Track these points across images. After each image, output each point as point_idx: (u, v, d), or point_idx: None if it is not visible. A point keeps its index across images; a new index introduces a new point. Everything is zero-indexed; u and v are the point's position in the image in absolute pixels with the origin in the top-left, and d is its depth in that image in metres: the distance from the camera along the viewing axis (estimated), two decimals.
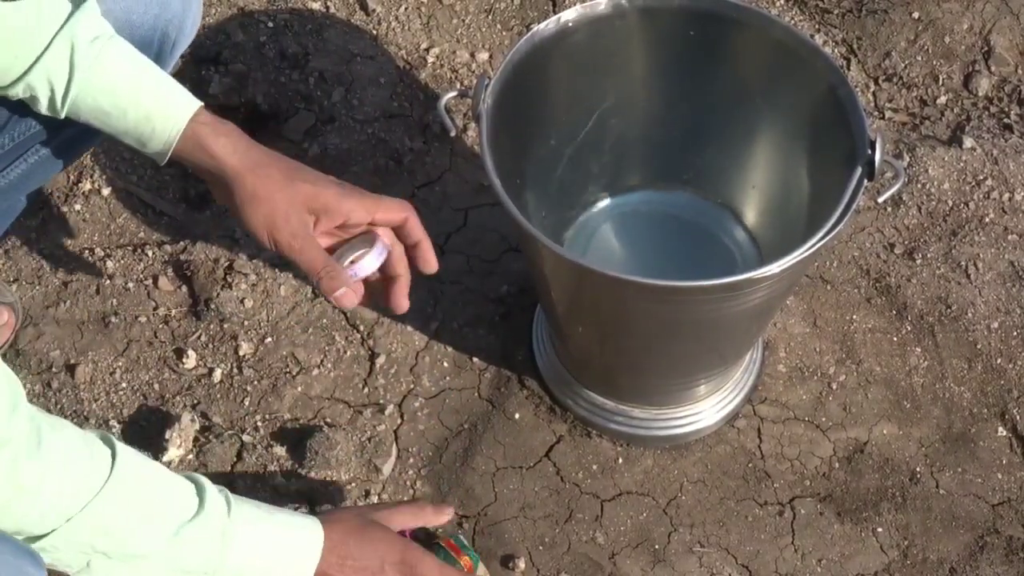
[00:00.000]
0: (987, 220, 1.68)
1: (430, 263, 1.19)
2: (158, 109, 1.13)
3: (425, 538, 1.37)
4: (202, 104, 1.15)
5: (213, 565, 1.00)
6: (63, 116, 1.14)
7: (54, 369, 1.53)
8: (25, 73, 1.10)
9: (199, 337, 1.56)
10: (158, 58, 1.31)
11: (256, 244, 1.62)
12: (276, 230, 1.10)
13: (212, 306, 1.57)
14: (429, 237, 1.18)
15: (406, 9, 1.89)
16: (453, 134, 1.33)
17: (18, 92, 1.12)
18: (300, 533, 1.06)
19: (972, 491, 1.47)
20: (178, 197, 1.70)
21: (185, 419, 1.48)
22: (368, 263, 1.11)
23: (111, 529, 0.96)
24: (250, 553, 1.02)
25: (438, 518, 1.23)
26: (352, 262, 1.13)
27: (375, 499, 1.45)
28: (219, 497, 1.02)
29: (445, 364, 1.56)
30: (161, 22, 1.28)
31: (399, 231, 1.17)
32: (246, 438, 1.47)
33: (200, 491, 1.01)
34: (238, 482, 1.43)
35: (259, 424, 1.49)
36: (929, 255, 1.65)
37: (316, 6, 1.88)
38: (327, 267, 1.10)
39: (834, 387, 1.55)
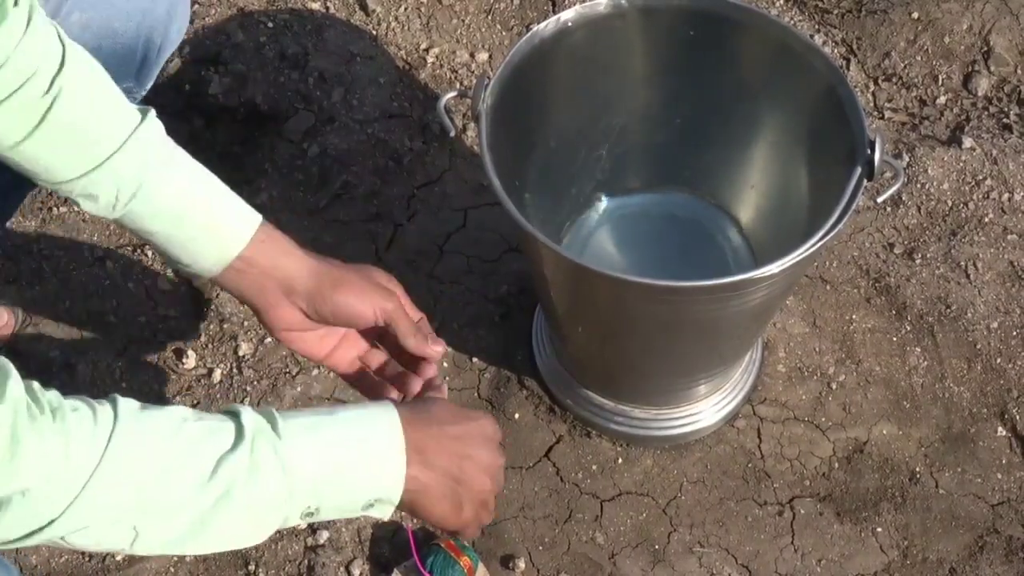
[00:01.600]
0: (987, 220, 1.68)
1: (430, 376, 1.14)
2: (223, 222, 1.09)
3: (424, 539, 1.37)
4: (262, 223, 1.10)
5: (280, 491, 0.89)
6: (115, 219, 1.09)
7: (54, 369, 1.53)
8: (88, 173, 1.06)
9: (199, 337, 1.56)
10: (143, 65, 1.30)
11: None
12: (375, 300, 1.09)
13: (212, 306, 1.57)
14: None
15: (406, 9, 1.89)
16: (453, 134, 1.33)
17: (73, 190, 1.08)
18: (373, 415, 0.96)
19: (972, 491, 1.48)
20: None
21: None
22: None
23: (133, 483, 0.85)
24: (319, 462, 0.91)
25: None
26: None
27: None
28: (259, 418, 0.90)
29: (445, 364, 1.56)
30: (144, 28, 1.27)
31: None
32: None
33: (234, 417, 0.90)
34: None
35: None
36: (929, 255, 1.65)
37: (316, 6, 1.88)
38: (365, 381, 1.14)
39: (834, 387, 1.55)
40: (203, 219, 1.08)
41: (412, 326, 1.10)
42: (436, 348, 1.11)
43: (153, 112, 1.09)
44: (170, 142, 1.10)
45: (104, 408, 0.87)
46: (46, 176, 1.08)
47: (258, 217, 1.09)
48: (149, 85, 1.35)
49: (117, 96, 1.09)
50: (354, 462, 0.92)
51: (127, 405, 0.87)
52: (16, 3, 1.00)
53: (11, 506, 0.82)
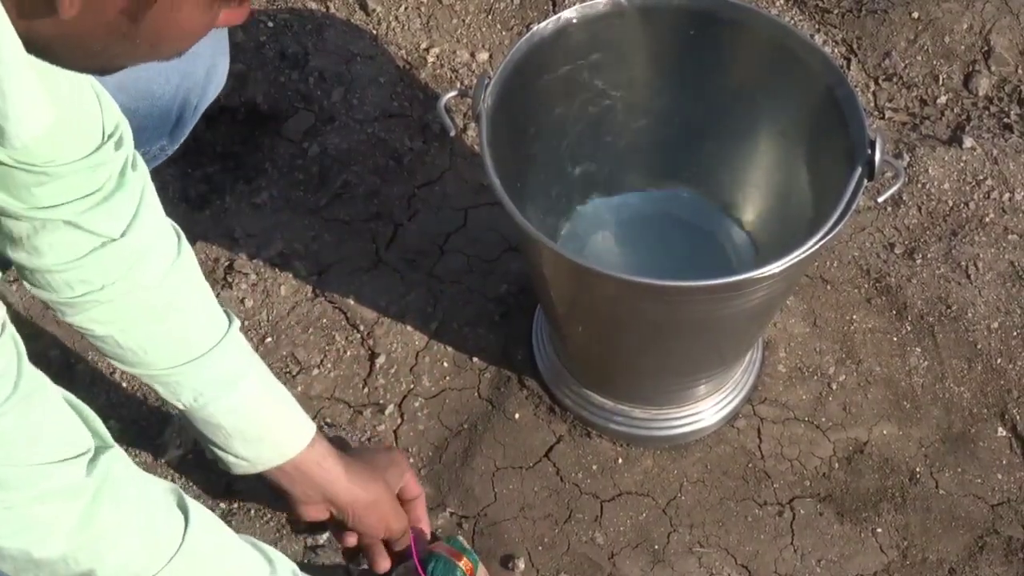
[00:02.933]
0: (987, 220, 1.68)
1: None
2: (286, 434, 1.24)
3: (425, 542, 1.37)
4: (315, 432, 1.25)
5: None
6: (186, 408, 1.20)
7: (54, 369, 1.53)
8: (173, 369, 1.16)
9: None
10: (178, 124, 1.32)
11: (256, 244, 1.63)
12: (390, 524, 1.29)
13: None
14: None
15: (406, 9, 1.89)
16: (453, 134, 1.33)
17: (157, 379, 1.18)
18: None
19: (972, 491, 1.47)
20: (178, 197, 1.70)
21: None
22: None
23: None
24: None
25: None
26: None
27: None
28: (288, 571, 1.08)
29: (445, 364, 1.56)
30: (183, 90, 1.28)
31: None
32: None
33: (271, 564, 1.07)
34: (238, 483, 1.43)
35: None
36: (929, 255, 1.65)
37: (316, 6, 1.88)
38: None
39: (834, 387, 1.55)
40: (269, 422, 1.21)
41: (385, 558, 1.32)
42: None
43: (235, 317, 1.20)
44: (248, 345, 1.22)
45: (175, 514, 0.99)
46: (138, 364, 1.16)
47: (313, 426, 1.24)
48: (181, 141, 1.37)
49: (212, 296, 1.19)
50: None
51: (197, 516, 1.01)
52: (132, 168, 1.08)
53: None
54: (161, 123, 1.29)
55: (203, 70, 1.29)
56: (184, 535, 0.97)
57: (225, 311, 1.20)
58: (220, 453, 1.23)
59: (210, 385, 1.17)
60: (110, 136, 1.03)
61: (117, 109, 1.04)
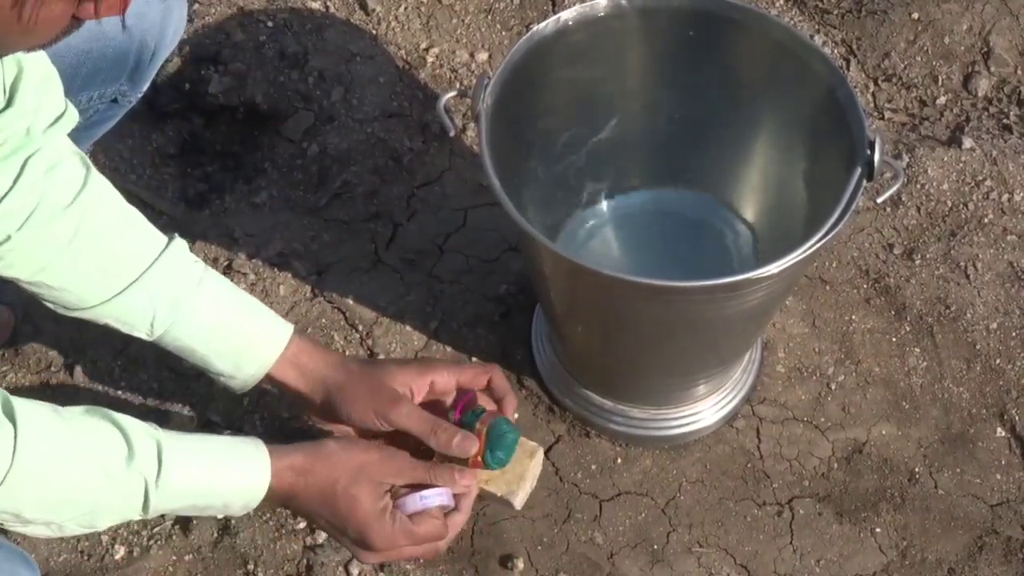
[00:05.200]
0: (986, 221, 1.68)
1: (509, 413, 1.22)
2: (259, 330, 1.18)
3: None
4: (294, 327, 1.19)
5: (135, 516, 1.00)
6: (154, 340, 1.17)
7: (53, 368, 1.53)
8: (120, 294, 1.12)
9: None
10: (136, 68, 1.31)
11: (256, 244, 1.63)
12: (386, 412, 1.14)
13: None
14: (511, 392, 1.22)
15: (406, 9, 1.89)
16: (452, 134, 1.33)
17: (108, 313, 1.14)
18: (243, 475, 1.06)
19: (971, 491, 1.47)
20: (177, 197, 1.70)
21: (184, 418, 1.48)
22: (432, 498, 1.11)
23: (29, 506, 0.95)
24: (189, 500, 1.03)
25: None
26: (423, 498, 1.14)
27: None
28: (149, 460, 0.99)
29: None
30: (138, 32, 1.27)
31: (488, 392, 1.21)
32: None
33: (130, 453, 0.98)
34: None
35: (258, 423, 1.49)
36: (928, 255, 1.65)
37: (316, 6, 1.88)
38: (435, 425, 1.13)
39: (833, 387, 1.55)
40: (239, 334, 1.16)
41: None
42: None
43: (177, 236, 1.15)
44: (199, 261, 1.16)
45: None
46: (78, 302, 1.12)
47: (290, 326, 1.18)
48: (144, 87, 1.36)
49: (142, 219, 1.14)
50: (211, 507, 1.05)
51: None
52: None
53: None
54: (116, 65, 1.28)
55: (157, 13, 1.29)
56: (14, 450, 0.92)
57: (169, 235, 1.15)
58: (211, 375, 1.19)
59: (161, 308, 1.13)
60: None
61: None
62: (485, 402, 1.18)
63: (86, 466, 0.96)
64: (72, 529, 0.98)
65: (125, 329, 1.15)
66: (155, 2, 1.28)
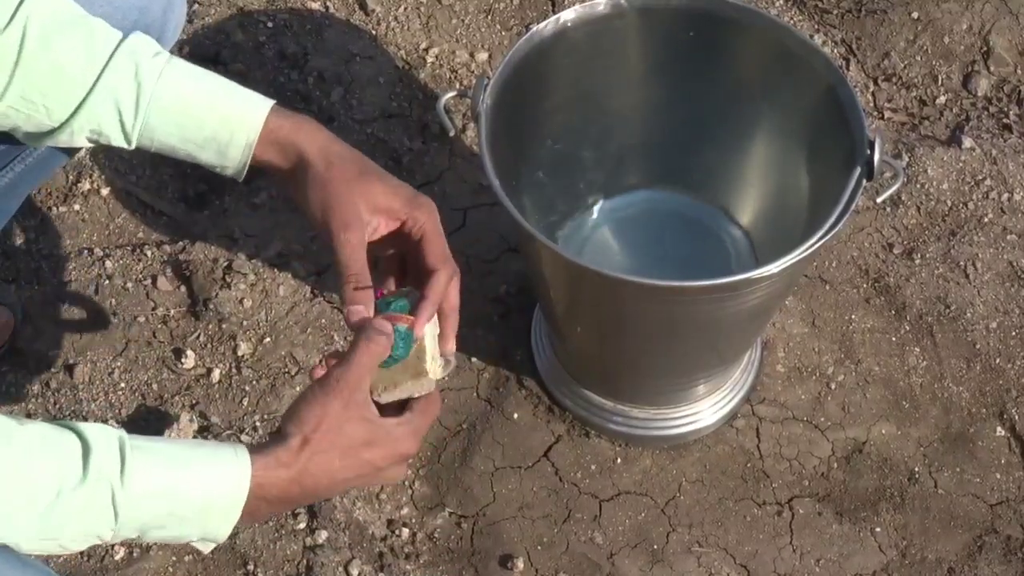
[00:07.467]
0: (986, 220, 1.68)
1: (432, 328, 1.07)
2: (234, 111, 1.09)
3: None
4: (275, 101, 1.10)
5: (105, 534, 0.88)
6: (135, 144, 1.08)
7: (52, 369, 1.53)
8: (85, 99, 1.05)
9: (198, 337, 1.56)
10: None
11: (255, 244, 1.63)
12: (332, 213, 1.03)
13: (211, 306, 1.57)
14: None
15: (405, 9, 1.89)
16: (452, 134, 1.33)
17: (81, 126, 1.06)
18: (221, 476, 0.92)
19: (970, 491, 1.48)
20: (177, 197, 1.70)
21: (184, 419, 1.48)
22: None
23: None
24: (154, 514, 0.89)
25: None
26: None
27: (373, 498, 1.45)
28: (110, 455, 0.88)
29: None
30: (140, 26, 1.26)
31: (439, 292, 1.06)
32: (244, 438, 1.47)
33: (86, 451, 0.87)
34: None
35: (257, 424, 1.49)
36: (928, 255, 1.65)
37: (315, 6, 1.88)
38: (360, 275, 1.04)
39: (833, 387, 1.55)
40: (214, 118, 1.06)
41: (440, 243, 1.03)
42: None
43: (137, 32, 1.06)
44: (162, 51, 1.08)
45: None
46: (48, 118, 1.05)
47: (269, 100, 1.07)
48: None
49: (96, 21, 1.06)
50: (188, 517, 0.90)
51: None
52: None
53: None
54: None
55: (160, 7, 1.27)
56: None
57: (126, 32, 1.07)
58: (206, 168, 1.10)
59: (126, 110, 1.05)
60: None
61: None
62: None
63: (36, 470, 0.86)
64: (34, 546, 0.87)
65: (104, 141, 1.07)
66: None
